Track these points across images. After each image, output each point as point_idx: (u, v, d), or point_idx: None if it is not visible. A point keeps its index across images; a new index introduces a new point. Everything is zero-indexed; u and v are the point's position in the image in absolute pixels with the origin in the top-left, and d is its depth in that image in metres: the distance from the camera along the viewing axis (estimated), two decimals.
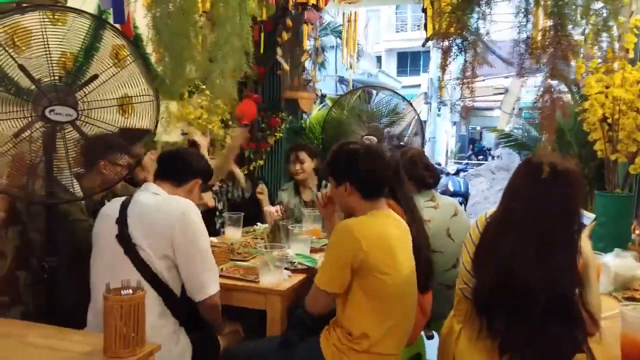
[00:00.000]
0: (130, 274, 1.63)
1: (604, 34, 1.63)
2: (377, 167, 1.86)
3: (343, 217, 1.99)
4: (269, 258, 2.02)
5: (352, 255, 1.72)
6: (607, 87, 2.35)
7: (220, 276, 2.10)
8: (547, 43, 1.39)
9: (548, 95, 1.55)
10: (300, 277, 2.14)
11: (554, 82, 1.60)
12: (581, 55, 2.36)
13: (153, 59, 3.24)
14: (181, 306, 1.80)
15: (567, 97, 3.61)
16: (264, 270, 2.03)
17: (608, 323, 1.60)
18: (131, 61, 2.12)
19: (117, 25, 2.32)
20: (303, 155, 3.32)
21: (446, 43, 1.98)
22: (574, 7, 1.43)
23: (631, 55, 2.69)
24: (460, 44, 1.91)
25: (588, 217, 1.79)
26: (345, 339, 1.77)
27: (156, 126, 2.13)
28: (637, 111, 2.30)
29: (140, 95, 2.15)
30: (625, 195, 2.48)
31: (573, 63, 2.46)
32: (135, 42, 2.92)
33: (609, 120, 2.38)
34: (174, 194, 1.89)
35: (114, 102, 2.10)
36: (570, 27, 1.38)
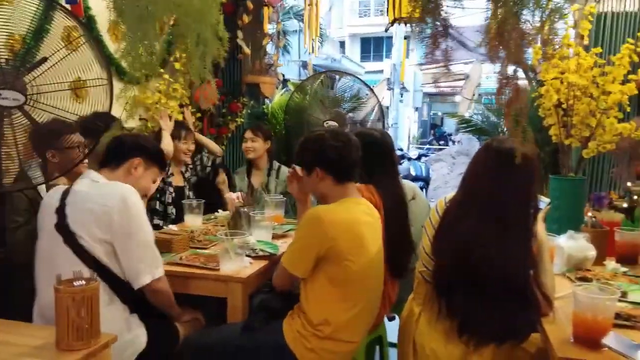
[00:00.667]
0: (72, 263, 1.60)
1: (560, 21, 1.67)
2: (345, 149, 1.87)
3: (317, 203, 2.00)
4: (229, 245, 2.00)
5: (318, 244, 1.73)
6: (562, 73, 2.41)
7: (180, 264, 2.07)
8: (504, 30, 1.41)
9: (507, 82, 1.58)
10: (262, 263, 2.13)
11: (513, 69, 1.62)
12: (538, 41, 2.41)
13: (108, 41, 3.15)
14: (130, 292, 1.75)
15: (525, 84, 3.70)
16: (224, 258, 2.00)
17: (561, 303, 1.65)
18: (83, 43, 2.04)
19: (68, 6, 2.22)
20: (253, 134, 3.37)
21: (410, 27, 1.96)
22: None
23: (586, 41, 2.76)
24: (425, 29, 1.90)
25: (543, 202, 1.85)
26: (308, 325, 1.78)
27: (110, 110, 2.05)
28: (591, 97, 2.37)
29: (94, 79, 2.07)
30: (578, 179, 2.56)
31: (530, 49, 2.52)
32: (87, 24, 2.81)
33: (564, 106, 2.45)
34: (114, 178, 1.84)
35: (66, 87, 2.02)
36: (525, 14, 1.40)
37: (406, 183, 2.72)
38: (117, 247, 1.72)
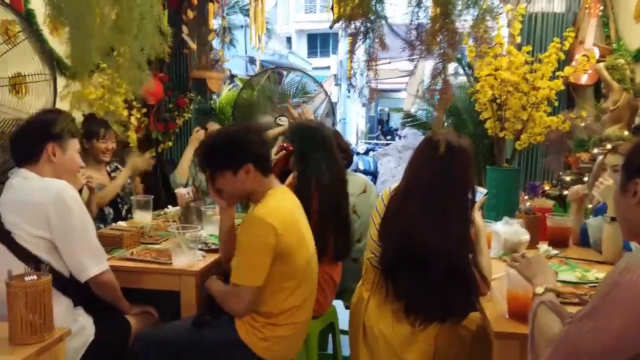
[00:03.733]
0: (9, 261, 1.57)
1: (493, 21, 1.79)
2: (264, 140, 1.90)
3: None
4: (181, 240, 2.01)
5: (270, 243, 1.72)
6: (496, 70, 2.56)
7: (131, 259, 2.07)
8: (436, 29, 1.51)
9: (438, 78, 1.69)
10: (215, 256, 2.15)
11: (445, 65, 1.73)
12: (471, 40, 2.55)
13: (48, 35, 3.06)
14: (73, 286, 1.74)
15: (456, 80, 3.86)
16: (176, 252, 2.02)
17: (497, 284, 1.78)
18: (24, 38, 2.00)
19: (7, 0, 2.16)
20: (215, 126, 3.34)
21: (352, 27, 2.05)
22: None
23: (518, 40, 2.94)
24: (363, 28, 1.99)
25: (481, 192, 1.98)
26: (260, 317, 1.81)
27: (54, 106, 2.02)
28: (522, 92, 2.53)
29: (35, 74, 2.03)
30: (512, 169, 2.73)
31: (465, 46, 2.66)
32: (27, 18, 2.73)
33: (498, 101, 2.60)
34: (43, 172, 1.78)
35: (6, 82, 1.97)
36: (457, 14, 1.50)
37: (358, 176, 2.81)
38: (58, 244, 1.70)
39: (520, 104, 2.49)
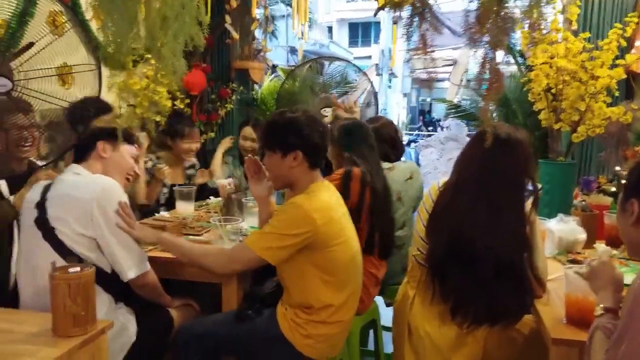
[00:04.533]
0: (50, 259, 1.53)
1: (548, 6, 1.67)
2: (325, 136, 1.85)
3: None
4: (223, 232, 1.99)
5: (305, 237, 1.69)
6: (551, 58, 2.42)
7: None
8: (487, 15, 1.41)
9: (488, 66, 1.59)
10: None
11: (495, 53, 1.63)
12: (526, 26, 2.41)
13: (93, 26, 3.10)
14: (115, 282, 1.73)
15: (506, 69, 3.69)
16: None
17: (553, 285, 1.68)
18: (69, 28, 2.00)
19: None
20: (254, 134, 3.22)
21: (399, 13, 1.97)
22: None
23: (574, 26, 2.77)
24: (413, 14, 1.90)
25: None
26: (303, 314, 1.77)
27: (99, 95, 2.02)
28: (580, 81, 2.38)
29: (80, 64, 2.04)
30: (568, 163, 2.58)
31: (519, 34, 2.52)
32: (73, 8, 2.76)
33: (553, 91, 2.46)
34: (93, 169, 1.79)
35: (53, 72, 1.99)
36: None
37: (403, 163, 2.73)
38: (100, 242, 1.68)
39: (578, 94, 2.34)
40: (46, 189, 1.73)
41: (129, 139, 1.96)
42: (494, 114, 4.32)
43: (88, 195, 1.66)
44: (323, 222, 1.71)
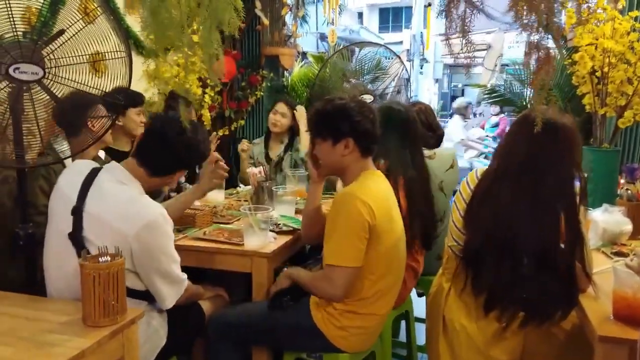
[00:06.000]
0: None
1: None
2: (375, 123, 1.80)
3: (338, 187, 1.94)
4: (253, 220, 1.97)
5: (367, 220, 1.65)
6: (596, 39, 2.29)
7: (204, 239, 2.05)
8: None
9: (536, 51, 1.50)
10: (286, 239, 2.09)
11: (541, 37, 1.55)
12: (571, 4, 2.27)
13: (123, 12, 3.10)
14: (148, 293, 1.64)
15: (554, 52, 3.53)
16: (248, 233, 1.98)
17: (597, 279, 1.59)
18: (100, 14, 1.99)
19: None
20: (284, 108, 3.23)
21: None
22: None
23: (621, 4, 2.61)
24: None
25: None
26: (338, 305, 1.74)
27: (129, 85, 2.01)
28: (627, 63, 2.25)
29: (112, 52, 2.02)
30: (613, 150, 2.45)
31: (562, 17, 2.39)
32: None
33: (598, 74, 2.33)
34: (146, 182, 1.66)
35: (85, 60, 1.98)
36: None
37: (445, 150, 2.65)
38: (138, 271, 1.57)
39: (626, 77, 2.20)
40: (84, 189, 1.58)
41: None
42: (530, 99, 4.17)
43: (128, 229, 1.51)
44: (378, 211, 1.68)
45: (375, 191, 1.74)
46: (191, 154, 1.73)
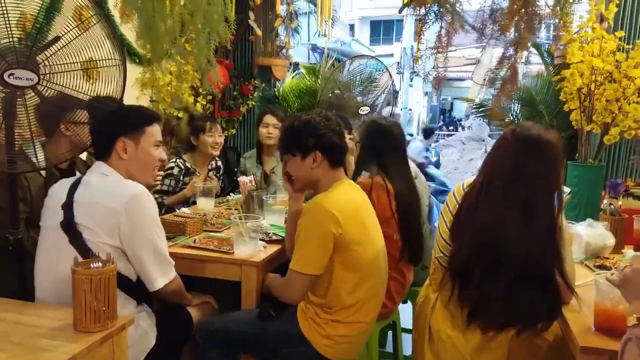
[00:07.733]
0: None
1: (586, 3, 1.62)
2: (341, 134, 1.86)
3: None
4: (243, 229, 1.98)
5: (331, 231, 1.69)
6: (583, 57, 2.34)
7: (194, 247, 2.06)
8: (514, 12, 1.38)
9: (506, 63, 1.56)
10: (275, 247, 2.11)
11: (517, 51, 1.60)
12: (553, 25, 2.33)
13: (118, 20, 3.12)
14: (139, 289, 1.69)
15: (526, 68, 3.59)
16: (238, 241, 1.99)
17: (580, 291, 1.62)
18: (95, 22, 2.01)
19: None
20: (274, 119, 3.24)
21: (422, 10, 1.94)
22: None
23: (607, 24, 2.68)
24: (435, 11, 1.88)
25: (564, 191, 1.81)
26: (323, 313, 1.77)
27: (123, 92, 2.02)
28: (613, 81, 2.30)
29: (105, 59, 2.03)
30: (597, 166, 2.50)
31: (551, 34, 2.45)
32: (99, 3, 2.78)
33: (584, 91, 2.38)
34: (118, 167, 1.72)
35: (78, 66, 1.99)
36: None
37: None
38: (127, 251, 1.63)
39: (615, 96, 2.26)
40: (73, 188, 1.66)
41: (150, 118, 1.83)
42: (518, 114, 4.23)
43: (116, 204, 1.59)
44: (344, 219, 1.71)
45: (344, 201, 1.77)
46: (115, 117, 1.79)
